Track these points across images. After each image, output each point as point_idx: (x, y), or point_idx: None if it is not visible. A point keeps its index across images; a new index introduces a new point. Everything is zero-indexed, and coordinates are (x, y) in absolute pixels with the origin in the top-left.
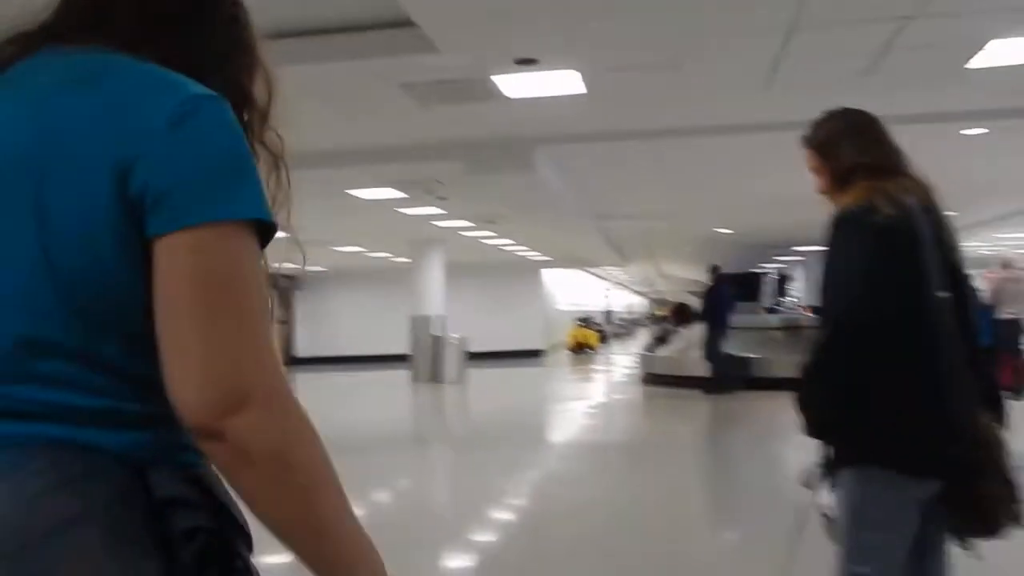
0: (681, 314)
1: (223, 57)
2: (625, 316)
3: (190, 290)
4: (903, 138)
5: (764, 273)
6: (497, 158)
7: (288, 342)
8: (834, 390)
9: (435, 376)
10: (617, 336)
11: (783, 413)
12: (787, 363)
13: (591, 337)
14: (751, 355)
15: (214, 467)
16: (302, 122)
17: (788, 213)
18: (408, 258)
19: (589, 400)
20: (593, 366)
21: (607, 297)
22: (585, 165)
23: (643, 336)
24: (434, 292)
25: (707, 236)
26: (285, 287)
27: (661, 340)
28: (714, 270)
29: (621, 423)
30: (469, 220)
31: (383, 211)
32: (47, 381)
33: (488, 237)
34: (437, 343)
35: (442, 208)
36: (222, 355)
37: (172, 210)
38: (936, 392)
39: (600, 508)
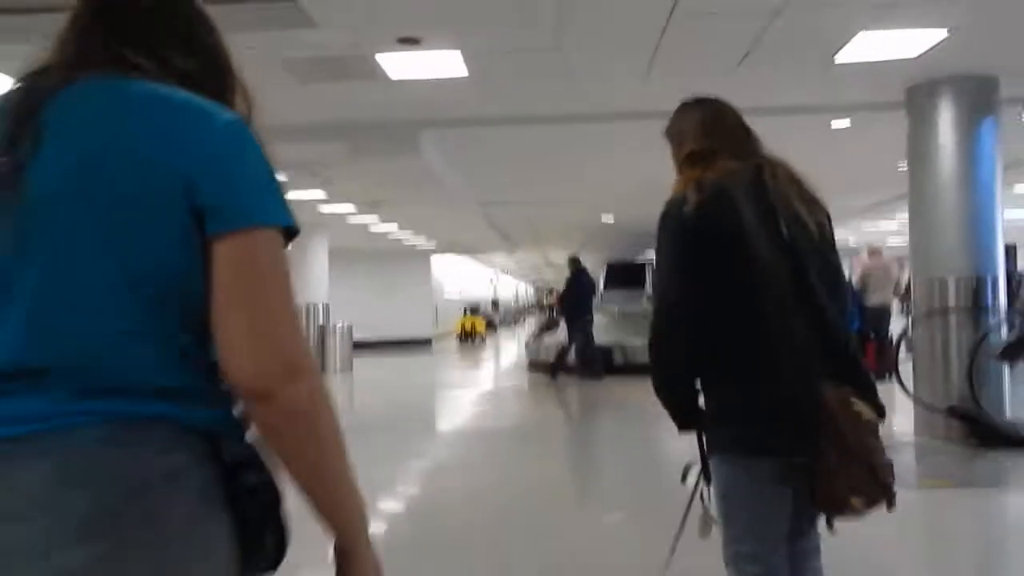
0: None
1: (221, 79)
2: (512, 304)
3: (243, 280)
4: (774, 130)
5: (649, 262)
6: (381, 140)
7: None
8: (669, 379)
9: (320, 365)
10: (505, 324)
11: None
12: None
13: (479, 325)
14: (637, 342)
15: (254, 426)
16: None
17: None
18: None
19: (476, 388)
20: (481, 354)
21: (494, 285)
22: (470, 150)
23: (530, 324)
24: (318, 279)
25: (592, 224)
26: None
27: (547, 328)
28: (574, 262)
29: (507, 410)
30: (354, 204)
31: None
32: (144, 368)
33: (374, 223)
34: (321, 332)
35: (325, 192)
36: (274, 334)
37: (226, 218)
38: (763, 370)
39: (488, 496)
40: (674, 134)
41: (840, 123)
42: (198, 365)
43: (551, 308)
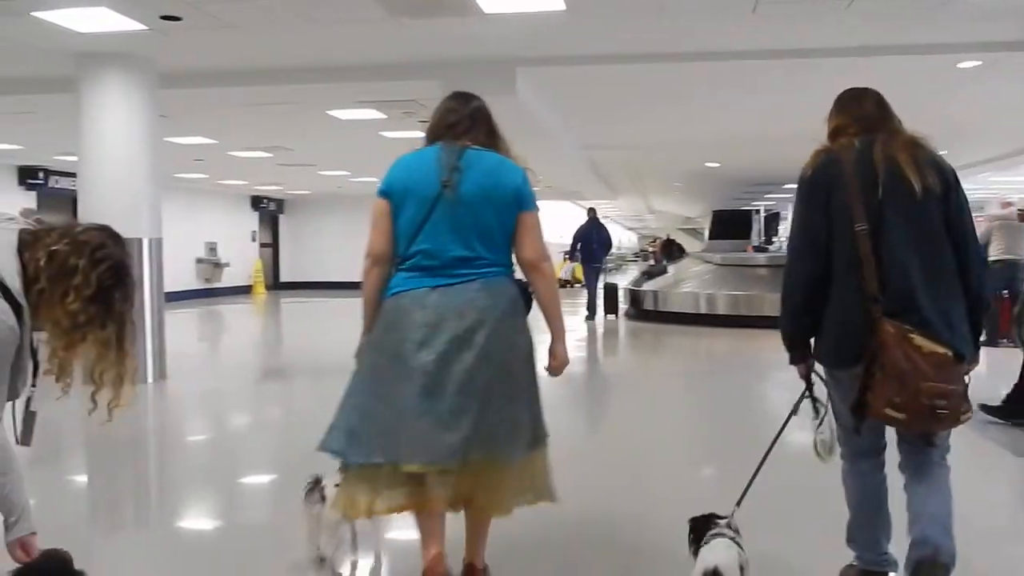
0: (669, 250)
1: (501, 145)
2: (615, 251)
3: (531, 227)
4: (892, 72)
5: (754, 211)
6: (476, 79)
7: (276, 266)
8: (788, 317)
9: None
10: (606, 270)
11: (769, 350)
12: (772, 301)
13: (579, 271)
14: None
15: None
16: (277, 32)
17: (776, 150)
18: None
19: (571, 333)
20: (580, 300)
21: None
22: (569, 90)
23: (632, 271)
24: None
25: (697, 170)
26: (272, 210)
27: (649, 275)
28: (590, 212)
29: (601, 356)
30: None
31: (365, 134)
32: (499, 254)
33: None
34: None
35: (424, 132)
36: (541, 245)
37: (524, 207)
38: (831, 302)
39: (567, 438)
40: (829, 115)
41: (968, 63)
42: (511, 257)
43: (655, 255)
